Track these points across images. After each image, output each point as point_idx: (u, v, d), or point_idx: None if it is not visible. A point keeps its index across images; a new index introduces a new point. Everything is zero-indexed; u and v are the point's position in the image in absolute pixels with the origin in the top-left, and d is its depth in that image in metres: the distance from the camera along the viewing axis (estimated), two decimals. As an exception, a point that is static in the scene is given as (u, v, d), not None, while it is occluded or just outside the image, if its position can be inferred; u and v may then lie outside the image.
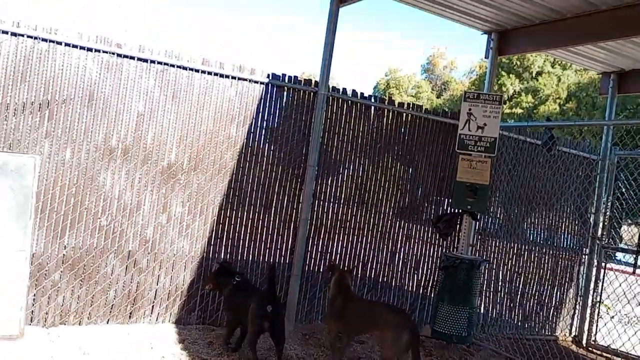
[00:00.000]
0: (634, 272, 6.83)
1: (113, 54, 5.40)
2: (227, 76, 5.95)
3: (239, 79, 6.02)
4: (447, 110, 8.11)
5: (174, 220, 5.75)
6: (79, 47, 5.26)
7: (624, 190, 7.74)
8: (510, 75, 32.07)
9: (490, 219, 7.50)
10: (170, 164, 5.71)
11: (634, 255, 7.55)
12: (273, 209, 6.26)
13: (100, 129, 5.39)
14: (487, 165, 6.70)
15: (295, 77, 6.37)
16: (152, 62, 5.60)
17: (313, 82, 6.46)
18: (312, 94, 6.37)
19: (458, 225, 6.98)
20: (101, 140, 5.40)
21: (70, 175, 5.28)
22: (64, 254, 5.29)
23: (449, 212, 7.11)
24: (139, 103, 5.56)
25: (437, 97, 44.10)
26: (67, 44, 5.20)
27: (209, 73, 5.87)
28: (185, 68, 5.74)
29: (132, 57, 5.49)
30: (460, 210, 6.84)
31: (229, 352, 5.27)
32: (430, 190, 7.22)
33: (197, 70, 5.80)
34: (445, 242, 7.19)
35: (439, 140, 7.22)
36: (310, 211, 6.37)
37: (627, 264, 8.30)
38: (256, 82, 6.10)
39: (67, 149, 5.26)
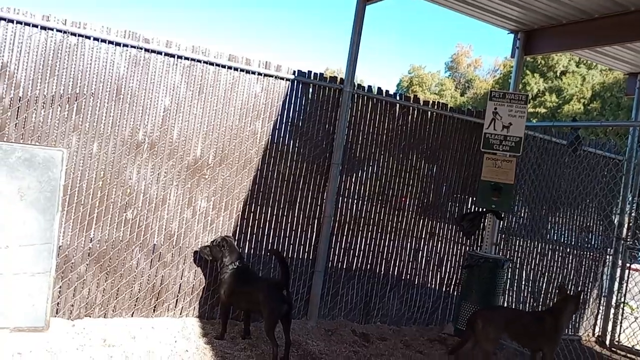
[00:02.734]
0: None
1: (141, 48, 5.18)
2: (253, 72, 5.71)
3: (265, 75, 5.78)
4: (471, 108, 7.78)
5: (198, 214, 5.53)
6: (107, 42, 5.05)
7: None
8: (535, 74, 31.26)
9: (514, 218, 7.17)
10: (196, 158, 5.49)
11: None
12: (297, 205, 6.01)
13: (127, 123, 5.19)
14: (512, 165, 6.42)
15: (321, 74, 6.11)
16: (179, 57, 5.37)
17: (338, 79, 6.19)
18: (337, 91, 6.11)
19: (482, 224, 6.69)
20: (128, 135, 5.19)
21: (97, 168, 5.08)
22: (90, 247, 5.10)
23: (473, 210, 6.80)
24: (166, 98, 5.35)
25: (461, 95, 43.29)
26: (95, 38, 5.00)
27: (236, 69, 5.63)
28: (212, 64, 5.51)
29: (159, 52, 5.27)
30: (484, 209, 6.56)
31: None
32: (454, 188, 6.92)
33: (223, 66, 5.57)
34: (468, 241, 6.88)
35: (464, 138, 6.92)
36: (334, 208, 6.11)
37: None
38: (282, 78, 5.85)
39: (94, 143, 5.06)
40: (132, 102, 5.20)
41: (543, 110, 29.69)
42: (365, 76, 44.66)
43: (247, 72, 5.69)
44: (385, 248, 6.50)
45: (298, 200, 6.02)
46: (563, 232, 7.41)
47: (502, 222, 6.82)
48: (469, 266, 6.29)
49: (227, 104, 5.61)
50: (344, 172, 6.19)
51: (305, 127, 6.00)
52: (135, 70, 5.19)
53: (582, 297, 5.05)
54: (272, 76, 5.81)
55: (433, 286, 6.78)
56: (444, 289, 6.82)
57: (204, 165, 5.52)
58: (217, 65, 5.55)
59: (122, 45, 5.11)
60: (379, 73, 66.54)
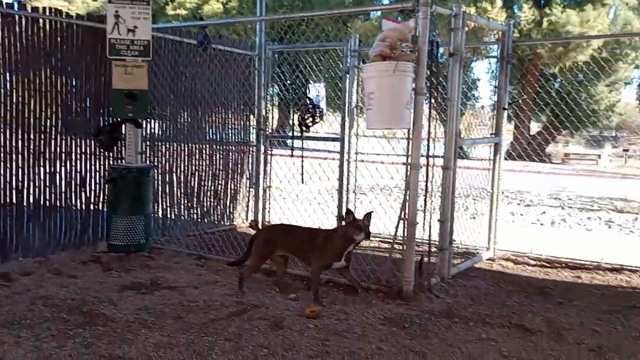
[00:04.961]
0: (291, 155, 7.05)
1: None
2: None
3: None
4: (101, 15, 7.15)
5: None
6: None
7: (284, 82, 7.90)
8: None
9: (157, 123, 6.99)
10: None
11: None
12: None
13: None
14: (144, 70, 6.20)
15: None
16: None
17: None
18: None
19: (123, 135, 6.37)
20: None
21: None
22: None
23: (109, 122, 6.41)
24: None
25: (94, 0, 38.77)
26: None
27: None
28: None
29: None
30: (121, 119, 6.25)
31: None
32: (92, 102, 6.37)
33: None
34: (111, 154, 6.50)
35: (96, 47, 6.31)
36: None
37: (293, 148, 8.64)
38: None
39: None
40: None
41: (184, 12, 29.26)
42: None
43: None
44: (14, 177, 5.73)
45: None
46: (208, 131, 7.55)
47: (144, 129, 6.59)
48: (113, 179, 5.99)
49: None
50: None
51: None
52: None
53: (360, 223, 4.67)
54: None
55: (79, 207, 6.32)
56: (92, 208, 6.42)
57: None
58: None
59: None
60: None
